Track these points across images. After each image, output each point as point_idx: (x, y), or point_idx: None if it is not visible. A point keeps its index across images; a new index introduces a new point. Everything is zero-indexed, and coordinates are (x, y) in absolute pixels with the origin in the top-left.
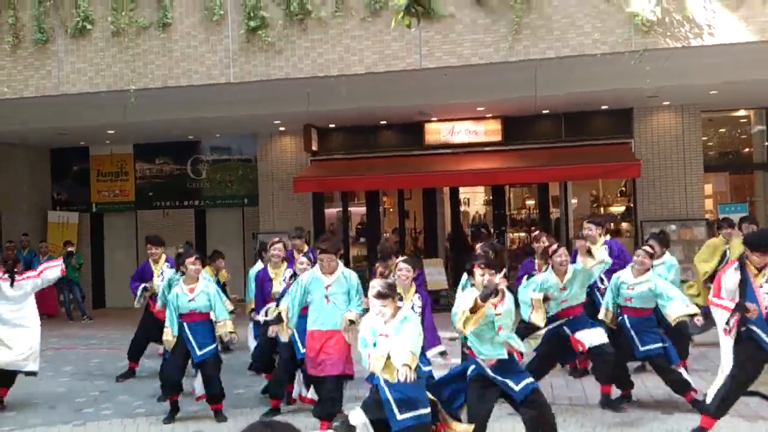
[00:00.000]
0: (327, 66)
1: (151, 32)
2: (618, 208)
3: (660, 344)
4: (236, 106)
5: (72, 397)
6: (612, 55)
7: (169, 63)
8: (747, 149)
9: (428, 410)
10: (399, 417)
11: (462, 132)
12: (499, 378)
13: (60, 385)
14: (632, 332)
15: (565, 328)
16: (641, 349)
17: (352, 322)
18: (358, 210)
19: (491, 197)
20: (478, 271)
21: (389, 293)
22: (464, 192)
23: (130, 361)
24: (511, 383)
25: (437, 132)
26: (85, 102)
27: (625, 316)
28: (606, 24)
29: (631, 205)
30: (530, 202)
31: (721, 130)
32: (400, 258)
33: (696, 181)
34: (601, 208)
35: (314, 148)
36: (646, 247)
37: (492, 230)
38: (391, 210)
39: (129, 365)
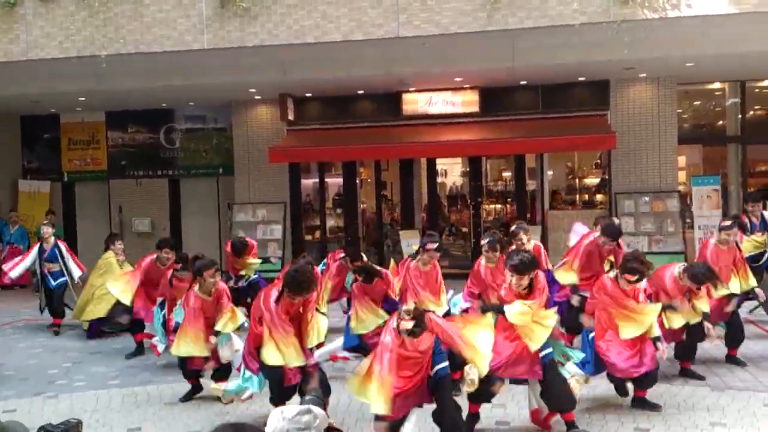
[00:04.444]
0: (303, 33)
1: None
2: (593, 180)
3: None
4: (210, 74)
5: (44, 368)
6: (590, 26)
7: (140, 28)
8: (720, 122)
9: None
10: None
11: (439, 103)
12: None
13: (32, 356)
14: None
15: None
16: None
17: None
18: (334, 181)
19: (468, 168)
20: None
21: None
22: (441, 163)
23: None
24: None
25: (415, 102)
26: (54, 68)
27: None
28: None
29: (606, 176)
30: (507, 174)
31: (695, 102)
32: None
33: (670, 153)
34: (577, 180)
35: (290, 117)
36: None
37: (469, 201)
38: (369, 181)
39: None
